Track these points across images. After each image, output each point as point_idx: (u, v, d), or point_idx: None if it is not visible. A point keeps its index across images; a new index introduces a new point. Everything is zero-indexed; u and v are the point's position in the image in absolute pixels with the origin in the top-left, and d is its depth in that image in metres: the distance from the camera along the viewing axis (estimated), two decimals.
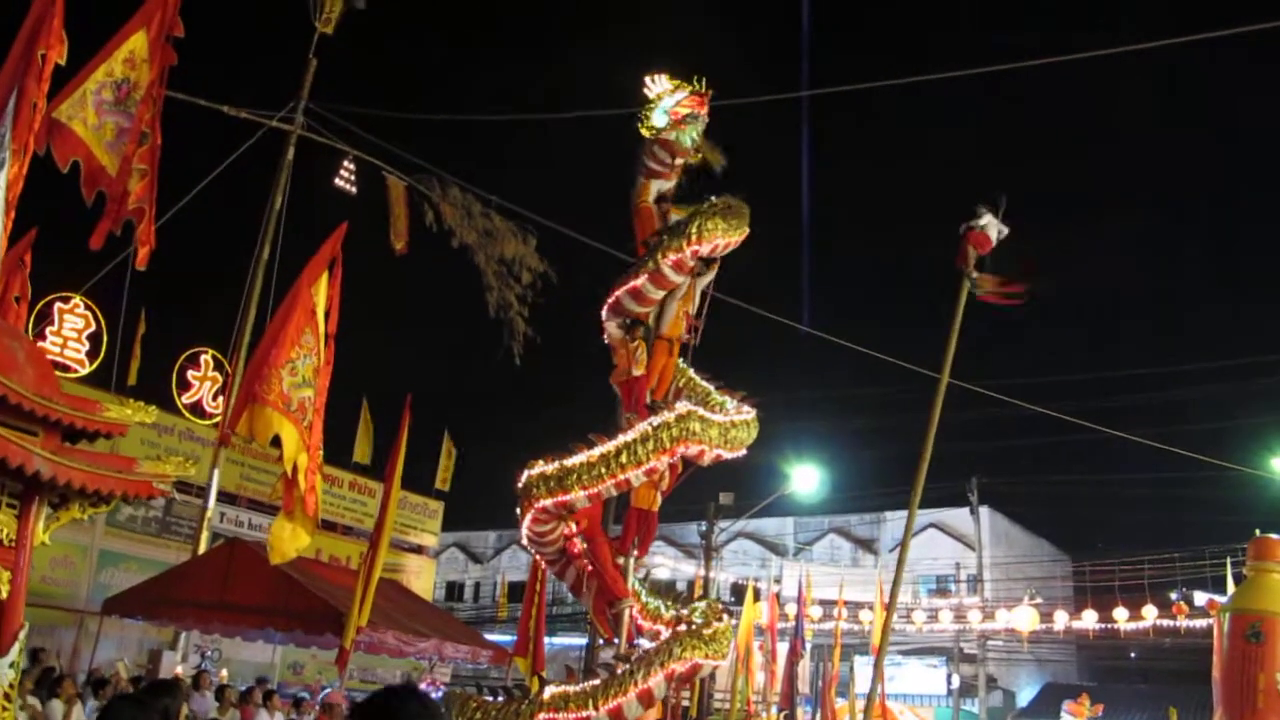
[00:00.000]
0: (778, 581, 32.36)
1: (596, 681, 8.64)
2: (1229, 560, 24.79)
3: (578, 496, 8.76)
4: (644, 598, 9.72)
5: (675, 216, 9.73)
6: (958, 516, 37.73)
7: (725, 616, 9.29)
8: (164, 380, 21.82)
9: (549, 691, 8.70)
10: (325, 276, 10.50)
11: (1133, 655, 35.58)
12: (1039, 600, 31.48)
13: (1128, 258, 76.60)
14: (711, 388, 9.73)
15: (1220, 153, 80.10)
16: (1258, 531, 10.87)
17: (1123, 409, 42.61)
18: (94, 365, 19.81)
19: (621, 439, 8.71)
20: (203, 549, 15.36)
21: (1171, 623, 28.28)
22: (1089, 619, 30.02)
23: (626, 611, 9.39)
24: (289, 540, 9.78)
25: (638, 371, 9.56)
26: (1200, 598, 28.44)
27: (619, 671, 8.62)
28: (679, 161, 9.89)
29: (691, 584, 29.88)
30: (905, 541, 10.86)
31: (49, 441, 6.21)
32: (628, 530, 9.72)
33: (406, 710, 2.82)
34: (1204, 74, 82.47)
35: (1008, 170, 73.47)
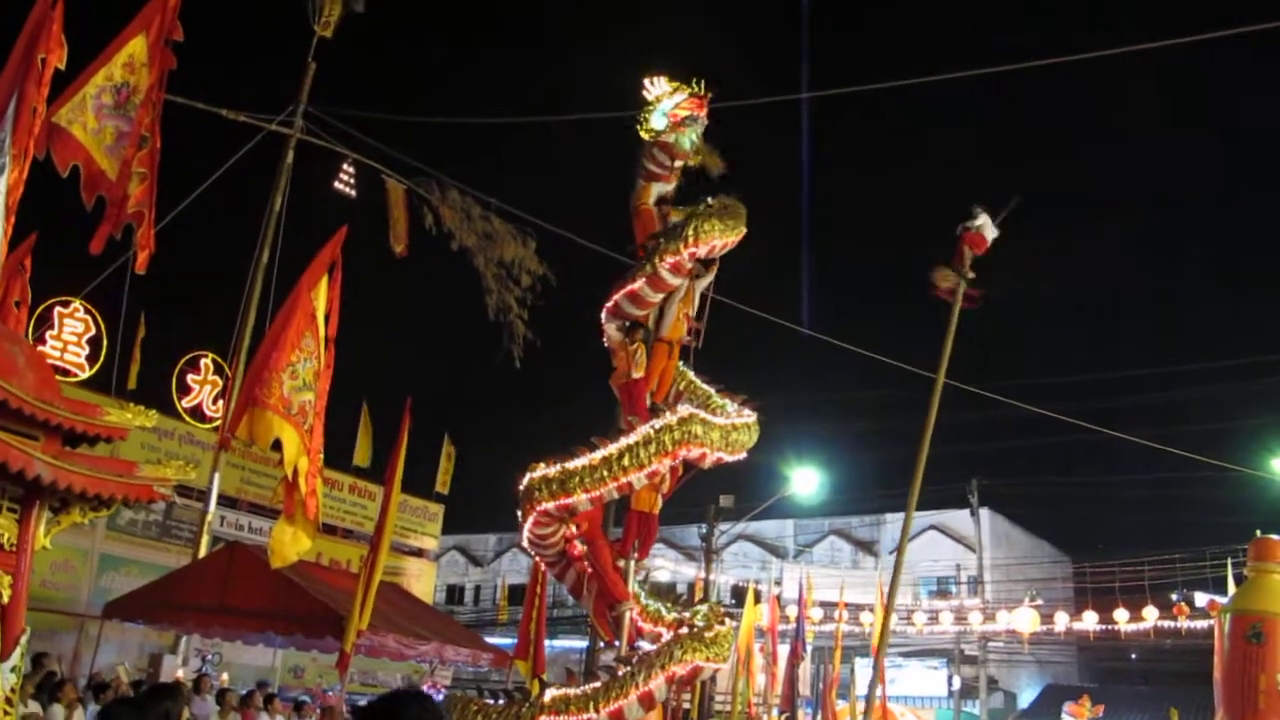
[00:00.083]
0: (778, 584, 32.35)
1: (597, 684, 8.65)
2: (1229, 561, 24.80)
3: (580, 499, 8.76)
4: (644, 600, 9.72)
5: (676, 219, 9.74)
6: (958, 518, 37.73)
7: (726, 619, 9.30)
8: (164, 384, 21.82)
9: (550, 694, 8.69)
10: (325, 280, 10.51)
11: (1133, 656, 35.57)
12: (1039, 602, 31.48)
13: (1128, 258, 76.68)
14: (712, 390, 9.74)
15: (1221, 153, 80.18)
16: (1258, 532, 10.88)
17: (1123, 410, 42.67)
18: (94, 369, 19.80)
19: (623, 441, 8.70)
20: (203, 553, 15.37)
21: (1172, 624, 28.29)
22: (1090, 620, 30.02)
23: (627, 614, 9.39)
24: (290, 544, 9.79)
25: (637, 374, 9.57)
26: (1201, 599, 28.45)
27: (620, 674, 8.62)
28: (678, 164, 9.90)
29: (692, 586, 29.86)
30: (902, 543, 10.88)
31: (50, 446, 6.21)
32: (628, 533, 9.72)
33: (409, 714, 2.82)
34: (1204, 74, 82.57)
35: (1008, 170, 73.47)
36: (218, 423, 20.31)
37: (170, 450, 20.42)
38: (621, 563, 9.62)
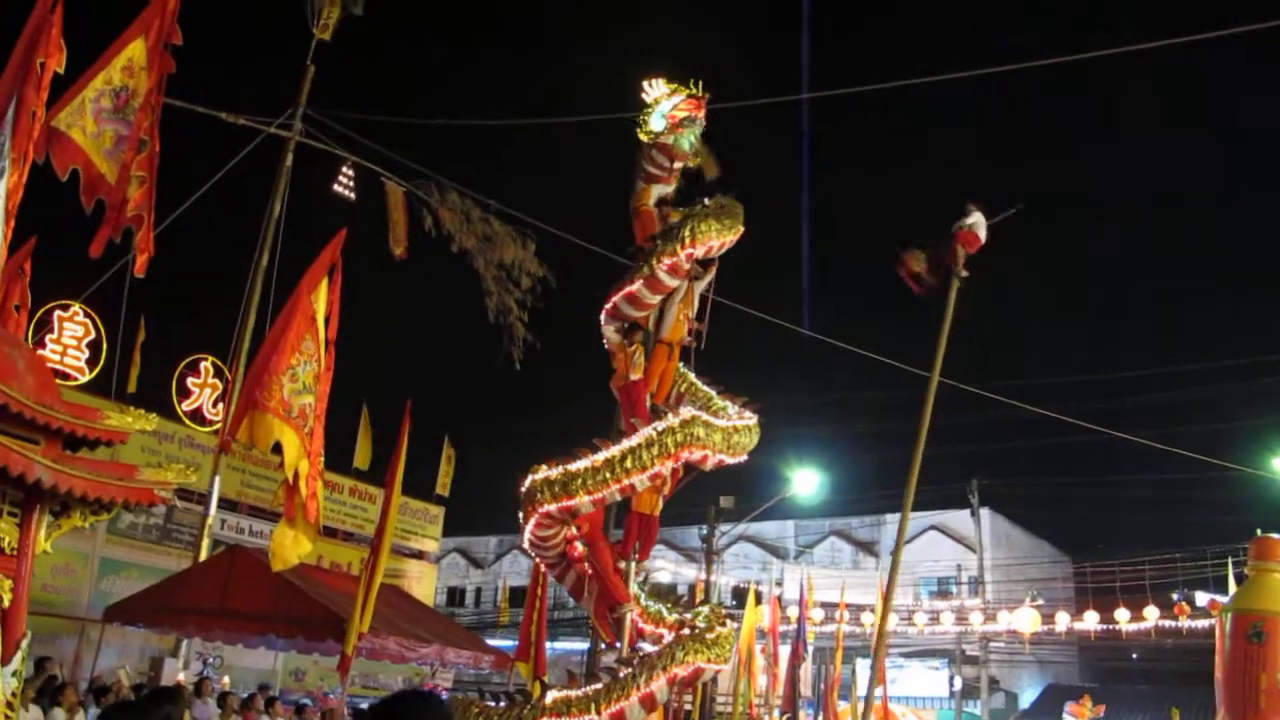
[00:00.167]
0: (779, 585, 32.31)
1: (599, 686, 8.65)
2: (1230, 560, 24.81)
3: (582, 501, 8.75)
4: (644, 601, 9.72)
5: (676, 220, 9.74)
6: (958, 518, 37.74)
7: (727, 620, 9.29)
8: (164, 387, 21.83)
9: (551, 696, 8.69)
10: (325, 283, 10.50)
11: (1134, 656, 35.58)
12: (1040, 602, 31.48)
13: (1128, 258, 76.70)
14: (713, 392, 9.74)
15: (1220, 153, 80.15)
16: (1259, 531, 10.87)
17: (1123, 410, 42.69)
18: (94, 373, 19.80)
19: (626, 444, 8.70)
20: (204, 556, 15.37)
21: (1173, 623, 28.30)
22: (1090, 620, 30.04)
23: (628, 616, 9.39)
24: (291, 547, 9.78)
25: (635, 376, 9.56)
26: (1202, 598, 28.46)
27: (621, 676, 8.62)
28: (678, 165, 9.91)
29: (693, 588, 29.86)
30: (899, 544, 10.89)
31: (50, 450, 6.21)
32: (629, 534, 9.72)
33: (420, 713, 2.81)
34: (1204, 74, 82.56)
35: (1008, 170, 73.52)
36: (218, 426, 20.32)
37: (170, 453, 20.42)
38: (622, 564, 9.62)
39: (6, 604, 6.18)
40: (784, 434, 30.17)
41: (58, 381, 7.58)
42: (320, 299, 10.41)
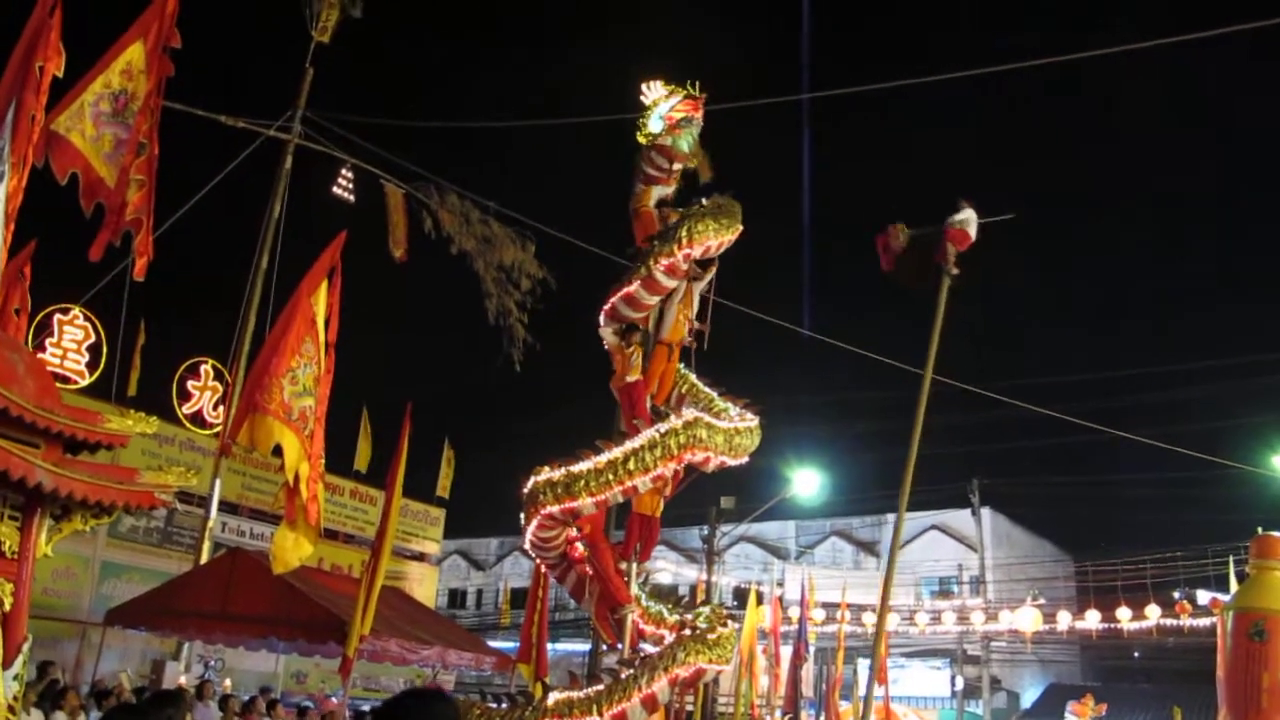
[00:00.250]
0: (780, 585, 32.31)
1: (600, 687, 8.64)
2: (1231, 559, 24.77)
3: (585, 503, 8.74)
4: (645, 602, 9.72)
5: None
6: (959, 518, 37.74)
7: (728, 621, 9.29)
8: (164, 390, 21.85)
9: (553, 698, 8.69)
10: (325, 285, 10.50)
11: (1136, 655, 35.59)
12: (1042, 601, 31.48)
13: (1128, 257, 76.69)
14: (714, 394, 9.74)
15: (1220, 152, 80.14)
16: (1260, 529, 10.86)
17: (1123, 409, 42.66)
18: (94, 376, 19.81)
19: (629, 445, 8.69)
20: (205, 559, 15.37)
21: (1175, 622, 28.29)
22: (1092, 619, 30.05)
23: (629, 617, 9.39)
24: (292, 550, 9.78)
25: (631, 378, 9.56)
26: (1203, 596, 28.45)
27: (623, 677, 8.62)
28: (677, 167, 9.91)
29: (694, 588, 29.85)
30: (894, 545, 10.86)
31: (50, 453, 6.21)
32: (630, 535, 9.72)
33: (418, 714, 2.80)
34: (1204, 74, 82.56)
35: (1008, 170, 73.54)
36: (218, 429, 20.34)
37: (171, 456, 20.42)
38: (623, 565, 9.62)
39: (7, 608, 6.18)
40: (784, 434, 30.21)
41: (58, 385, 7.58)
42: (320, 301, 10.41)
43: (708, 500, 27.88)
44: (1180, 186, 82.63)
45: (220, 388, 21.90)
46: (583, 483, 8.73)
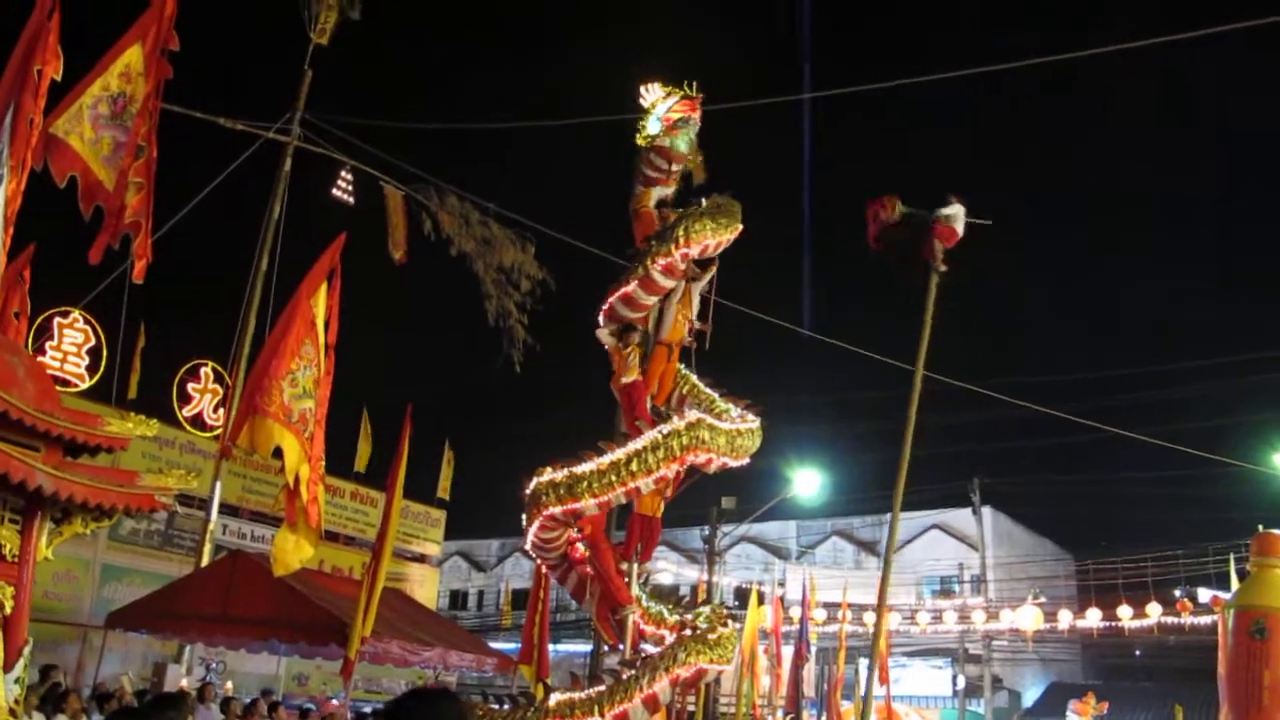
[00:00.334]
0: (781, 585, 32.29)
1: (602, 688, 8.64)
2: (1232, 557, 24.77)
3: (587, 504, 8.75)
4: (645, 602, 9.72)
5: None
6: (960, 517, 37.72)
7: (729, 620, 9.29)
8: (164, 393, 21.83)
9: (554, 699, 8.69)
10: (324, 287, 10.51)
11: (1137, 653, 35.54)
12: (1043, 600, 31.46)
13: (1127, 256, 76.65)
14: (715, 395, 9.74)
15: (1220, 152, 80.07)
16: (1260, 527, 10.87)
17: (1123, 408, 42.62)
18: (94, 379, 19.81)
19: (631, 446, 8.70)
20: (205, 561, 15.36)
21: (1176, 620, 28.28)
22: (1093, 618, 30.04)
23: (630, 617, 9.39)
24: (292, 552, 9.78)
25: (628, 378, 9.55)
26: (1204, 594, 28.42)
27: (624, 677, 8.62)
28: (676, 168, 9.93)
29: (695, 589, 29.85)
30: (889, 546, 10.89)
31: (50, 456, 6.21)
32: (631, 536, 9.72)
33: (433, 711, 2.79)
34: (1204, 74, 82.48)
35: (1007, 170, 73.48)
36: (219, 431, 20.33)
37: (171, 459, 20.39)
38: (624, 566, 9.62)
39: (8, 611, 6.19)
40: (785, 434, 30.20)
41: (58, 388, 7.58)
42: (320, 303, 10.42)
43: (708, 501, 27.89)
44: (1180, 186, 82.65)
45: (220, 390, 21.89)
46: (585, 484, 8.73)
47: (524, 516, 9.18)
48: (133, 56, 8.75)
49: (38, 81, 7.05)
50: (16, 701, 6.30)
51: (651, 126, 9.72)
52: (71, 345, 19.72)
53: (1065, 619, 30.78)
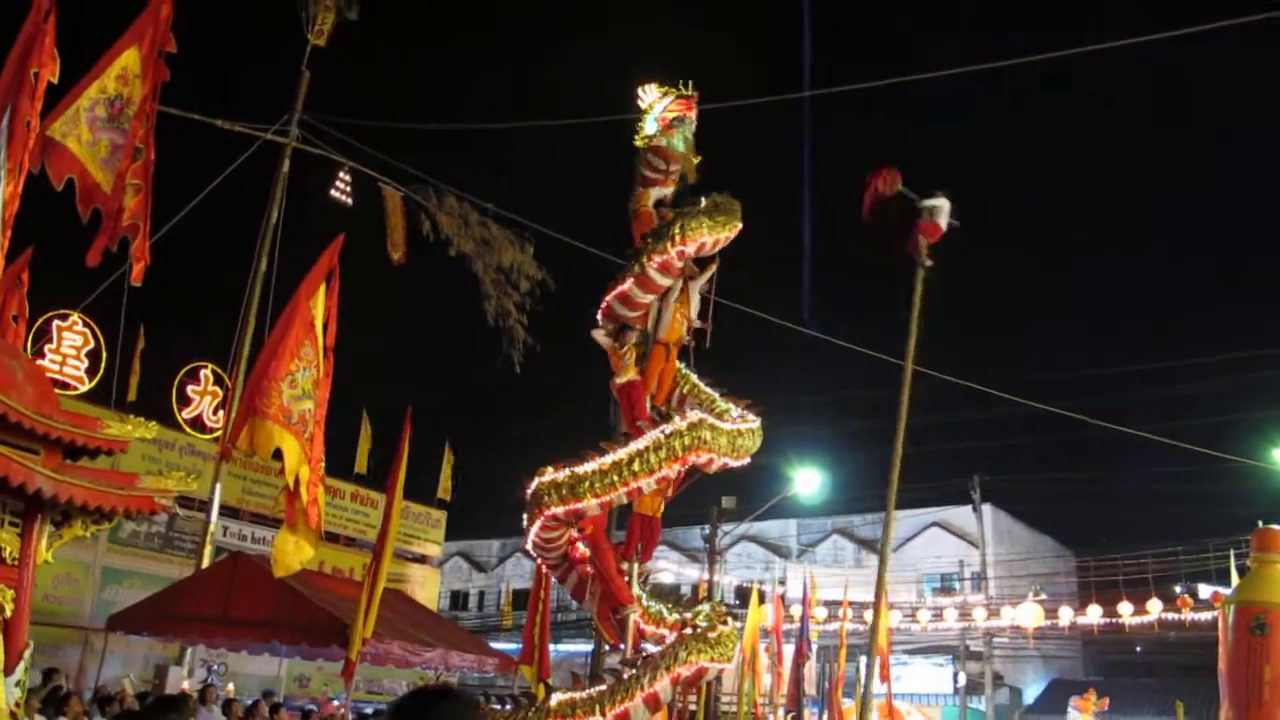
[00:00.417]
0: (782, 584, 32.30)
1: (603, 687, 8.65)
2: (1233, 553, 24.79)
3: (589, 504, 8.75)
4: (645, 602, 9.72)
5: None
6: (961, 514, 37.71)
7: (729, 619, 9.29)
8: (164, 395, 21.84)
9: (556, 698, 8.69)
10: (323, 288, 10.49)
11: (1138, 649, 35.55)
12: (1043, 597, 31.48)
13: (1128, 256, 76.65)
14: (716, 394, 9.73)
15: (1220, 152, 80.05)
16: (1260, 523, 10.86)
17: (1123, 405, 42.61)
18: (93, 382, 19.81)
19: (633, 447, 8.69)
20: (206, 563, 15.36)
21: (1176, 616, 28.29)
22: (1094, 614, 30.05)
23: (631, 617, 9.39)
24: (293, 553, 9.77)
25: (624, 378, 9.55)
26: (1205, 591, 28.44)
27: (625, 677, 8.62)
28: (674, 167, 9.93)
29: (695, 588, 29.87)
30: (885, 544, 10.90)
31: (50, 459, 6.21)
32: (631, 536, 9.72)
33: (435, 711, 2.77)
34: (1204, 73, 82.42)
35: (1007, 170, 73.48)
36: (218, 433, 20.33)
37: (171, 461, 20.41)
38: (625, 565, 9.62)
39: (9, 614, 6.18)
40: (785, 433, 30.21)
41: (57, 391, 7.58)
42: (319, 305, 10.41)
43: (709, 500, 27.91)
44: (1180, 185, 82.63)
45: (220, 392, 21.90)
46: (588, 484, 8.73)
47: (525, 516, 9.18)
48: (129, 59, 8.75)
49: (34, 84, 7.05)
50: (18, 705, 6.30)
51: (649, 127, 9.75)
52: (70, 348, 19.72)
53: (1066, 616, 30.80)
